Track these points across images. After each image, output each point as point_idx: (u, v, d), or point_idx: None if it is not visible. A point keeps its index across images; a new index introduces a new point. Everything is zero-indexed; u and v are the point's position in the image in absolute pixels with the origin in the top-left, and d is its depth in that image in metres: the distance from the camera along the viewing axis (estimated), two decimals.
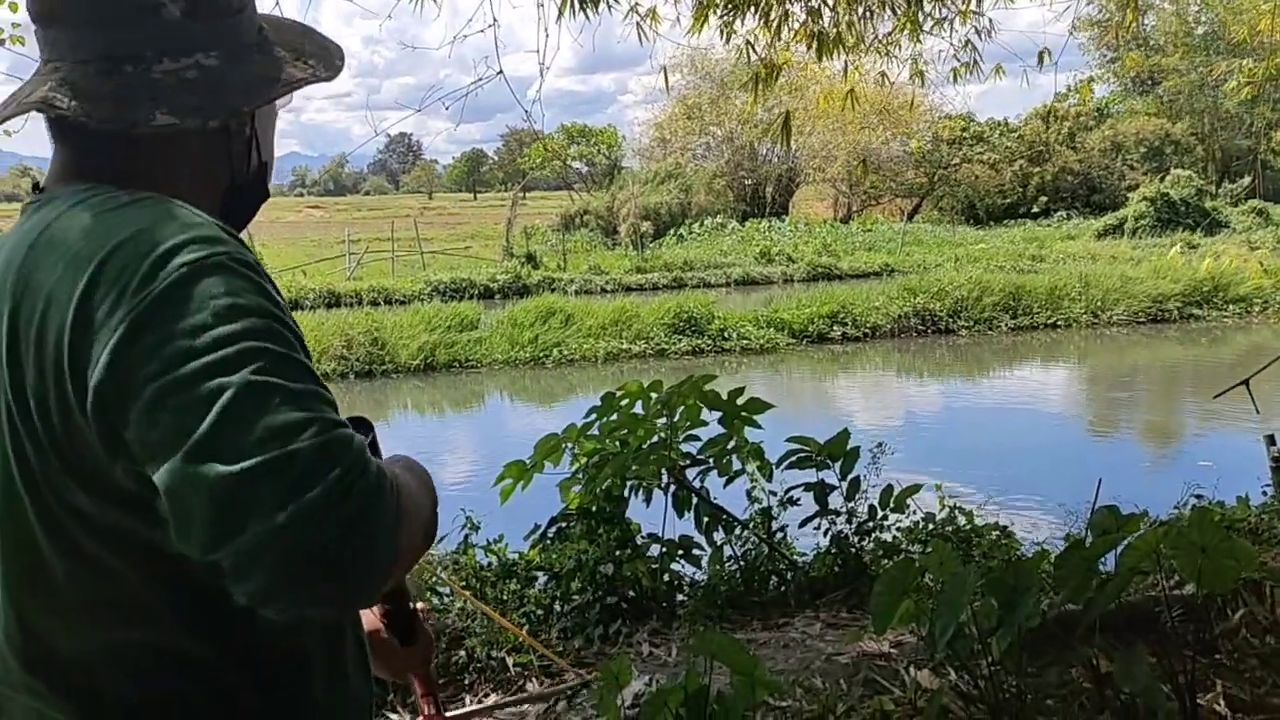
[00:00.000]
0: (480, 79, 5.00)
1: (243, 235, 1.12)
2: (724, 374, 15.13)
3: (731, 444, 5.27)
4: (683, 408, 5.27)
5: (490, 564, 4.91)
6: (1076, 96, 53.21)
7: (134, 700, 1.02)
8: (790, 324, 16.39)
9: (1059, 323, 17.50)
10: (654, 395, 5.25)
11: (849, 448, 5.16)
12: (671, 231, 37.93)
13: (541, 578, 5.00)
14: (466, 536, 4.86)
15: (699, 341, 15.79)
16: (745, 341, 15.84)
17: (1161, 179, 37.23)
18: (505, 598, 4.69)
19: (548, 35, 5.29)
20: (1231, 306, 18.12)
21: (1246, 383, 3.90)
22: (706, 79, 45.83)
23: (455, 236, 46.91)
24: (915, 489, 5.30)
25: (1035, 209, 47.06)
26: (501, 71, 5.05)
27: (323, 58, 1.21)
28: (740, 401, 5.23)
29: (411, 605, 1.34)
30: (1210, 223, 34.77)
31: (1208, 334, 17.44)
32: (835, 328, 16.63)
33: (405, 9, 4.63)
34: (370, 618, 1.30)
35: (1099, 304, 17.89)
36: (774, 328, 16.28)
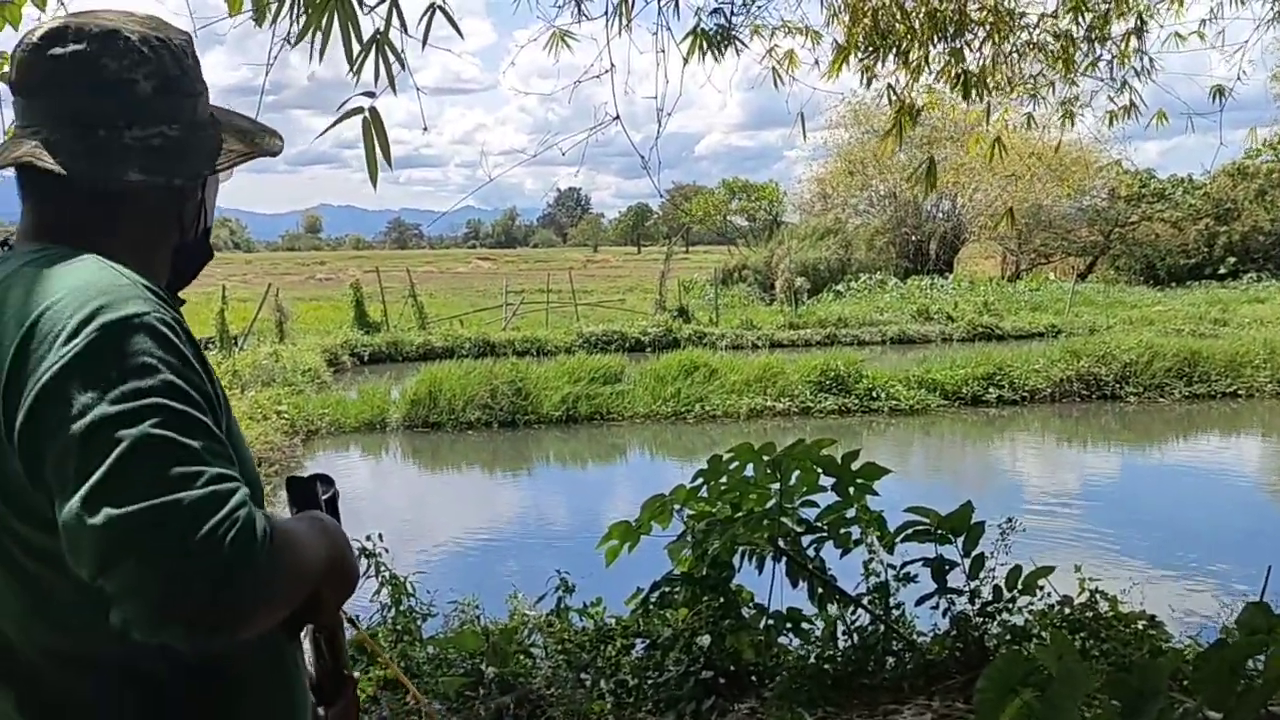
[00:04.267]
0: (597, 124, 4.98)
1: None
2: (870, 435, 14.69)
3: (851, 512, 5.01)
4: (798, 472, 5.04)
5: (585, 628, 4.75)
6: (1271, 152, 50.43)
7: (71, 698, 1.16)
8: (943, 385, 15.75)
9: (1240, 392, 16.25)
10: (765, 458, 5.04)
11: (972, 522, 4.83)
12: (829, 288, 37.37)
13: (639, 645, 4.82)
14: (560, 600, 4.72)
15: (846, 401, 15.33)
16: (894, 402, 15.29)
17: None
18: (600, 664, 4.52)
19: (668, 82, 5.21)
20: None
21: None
22: (870, 133, 45.29)
23: (614, 289, 47.54)
24: (1047, 570, 4.90)
25: (1222, 270, 44.47)
26: (618, 117, 5.00)
27: (265, 137, 1.39)
28: (856, 466, 4.97)
29: (344, 669, 1.36)
30: None
31: None
32: (991, 390, 15.89)
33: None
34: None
35: None
36: (925, 388, 15.67)
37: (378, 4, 3.03)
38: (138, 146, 1.22)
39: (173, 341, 1.08)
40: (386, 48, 3.02)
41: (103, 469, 0.97)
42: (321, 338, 23.21)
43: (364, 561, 4.88)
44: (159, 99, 1.25)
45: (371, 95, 2.88)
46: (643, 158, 5.30)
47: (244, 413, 12.68)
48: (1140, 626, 5.15)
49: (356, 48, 2.95)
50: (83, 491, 0.97)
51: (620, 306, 30.68)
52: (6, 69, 1.38)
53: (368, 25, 2.96)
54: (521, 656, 4.57)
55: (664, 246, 39.00)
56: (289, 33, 3.01)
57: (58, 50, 1.21)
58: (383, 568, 4.85)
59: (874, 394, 15.41)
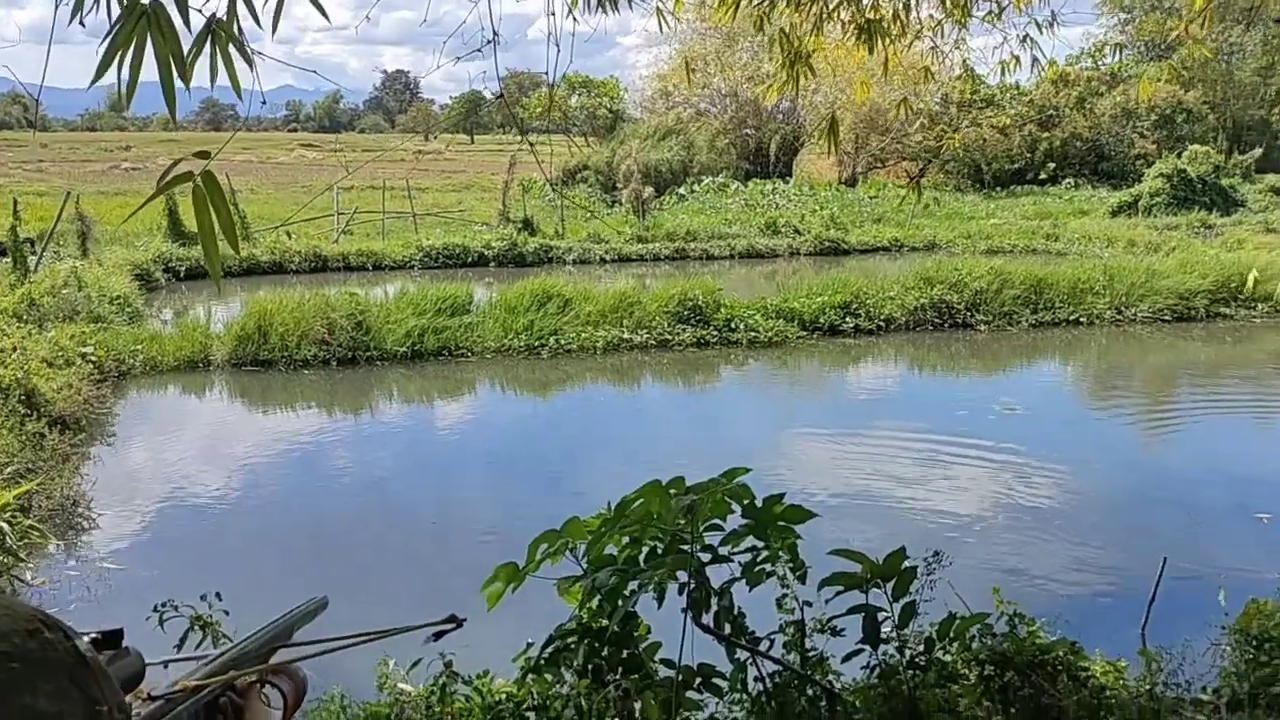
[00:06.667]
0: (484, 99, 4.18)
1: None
2: (730, 366, 14.32)
3: (761, 545, 4.48)
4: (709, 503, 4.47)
5: (471, 706, 4.08)
6: (1089, 60, 52.32)
7: None
8: (801, 315, 15.47)
9: (1081, 319, 16.62)
10: (673, 493, 4.44)
11: (903, 567, 4.37)
12: (671, 190, 36.83)
13: (534, 718, 4.20)
14: (444, 684, 4.01)
15: (704, 332, 14.86)
16: (753, 334, 14.91)
17: (1178, 155, 36.18)
18: None
19: (559, 50, 4.41)
20: (1261, 305, 17.25)
21: None
22: (712, 32, 44.44)
23: (451, 186, 45.77)
24: (982, 617, 4.54)
25: (1043, 175, 46.24)
26: (502, 88, 4.22)
27: None
28: (779, 509, 4.42)
29: None
30: (1227, 201, 33.84)
31: (1234, 333, 16.64)
32: (848, 319, 15.72)
33: None
34: None
35: (1123, 299, 17.00)
36: (783, 319, 15.35)
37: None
38: None
39: None
40: (230, 42, 2.21)
41: None
42: (131, 250, 21.19)
43: (198, 633, 4.06)
44: None
45: (205, 155, 2.04)
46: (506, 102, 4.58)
47: (43, 357, 11.23)
48: (1061, 654, 4.85)
49: (179, 82, 2.12)
50: None
51: (460, 216, 29.28)
52: None
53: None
54: None
55: (499, 136, 37.53)
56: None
57: None
58: (222, 640, 4.02)
59: (732, 325, 15.01)
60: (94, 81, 1.96)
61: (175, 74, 2.08)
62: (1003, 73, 6.55)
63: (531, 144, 4.17)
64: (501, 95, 4.36)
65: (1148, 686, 4.71)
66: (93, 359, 12.04)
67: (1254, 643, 4.89)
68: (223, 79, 2.16)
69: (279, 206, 31.42)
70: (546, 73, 4.31)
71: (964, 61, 6.76)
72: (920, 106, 45.65)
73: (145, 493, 9.11)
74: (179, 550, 7.90)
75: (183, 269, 21.27)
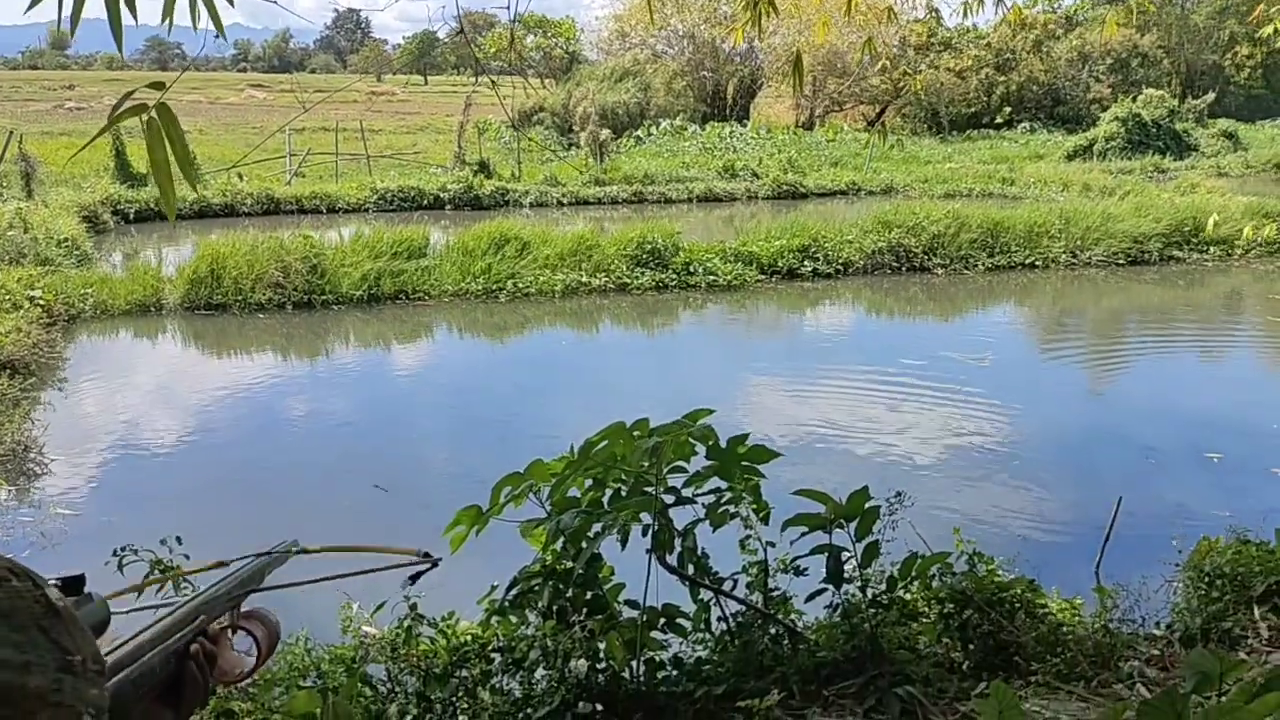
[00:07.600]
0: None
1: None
2: (689, 310, 14.30)
3: (725, 487, 4.49)
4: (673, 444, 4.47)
5: (436, 648, 4.06)
6: (1046, 3, 52.25)
7: None
8: (759, 258, 15.44)
9: (1037, 263, 16.75)
10: (636, 434, 4.42)
11: (866, 506, 4.39)
12: (629, 133, 36.54)
13: (499, 659, 4.20)
14: (409, 626, 3.99)
15: (663, 276, 14.79)
16: (712, 277, 14.87)
17: (1133, 98, 36.39)
18: (458, 697, 3.87)
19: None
20: (1213, 249, 17.49)
21: None
22: None
23: (404, 128, 45.04)
24: (942, 556, 4.58)
25: (999, 119, 46.29)
26: (461, 22, 4.15)
27: None
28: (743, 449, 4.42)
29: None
30: (1180, 146, 34.17)
31: (1186, 276, 16.87)
32: (806, 263, 15.72)
33: None
34: None
35: (1078, 243, 17.15)
36: (742, 262, 15.32)
37: None
38: None
39: None
40: None
41: None
42: (78, 192, 20.65)
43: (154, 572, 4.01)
44: None
45: (160, 87, 1.97)
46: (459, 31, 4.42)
47: None
48: (1019, 591, 4.94)
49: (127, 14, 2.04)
50: None
51: (415, 159, 28.87)
52: None
53: None
54: (366, 690, 3.88)
55: (453, 78, 36.99)
56: None
57: None
58: (184, 585, 3.97)
59: (691, 268, 14.96)
60: (30, 6, 1.87)
61: (122, 3, 1.99)
62: (965, 13, 6.49)
63: (494, 81, 4.11)
64: (461, 30, 4.26)
65: (1103, 623, 4.80)
66: (41, 302, 11.78)
67: (1205, 579, 4.99)
68: (186, 18, 2.08)
69: (229, 148, 30.81)
70: (507, 6, 4.21)
71: (928, 2, 6.64)
72: (882, 49, 45.59)
73: (99, 438, 8.97)
74: (135, 496, 7.79)
75: (132, 211, 20.78)
